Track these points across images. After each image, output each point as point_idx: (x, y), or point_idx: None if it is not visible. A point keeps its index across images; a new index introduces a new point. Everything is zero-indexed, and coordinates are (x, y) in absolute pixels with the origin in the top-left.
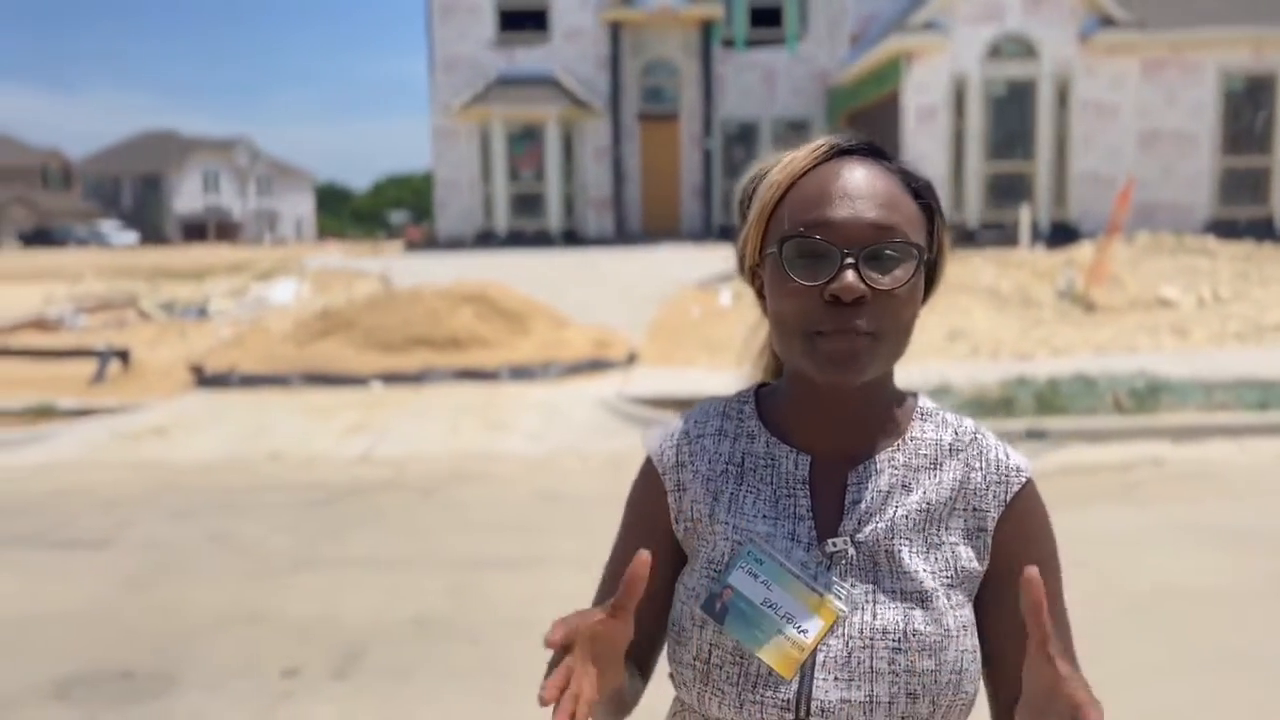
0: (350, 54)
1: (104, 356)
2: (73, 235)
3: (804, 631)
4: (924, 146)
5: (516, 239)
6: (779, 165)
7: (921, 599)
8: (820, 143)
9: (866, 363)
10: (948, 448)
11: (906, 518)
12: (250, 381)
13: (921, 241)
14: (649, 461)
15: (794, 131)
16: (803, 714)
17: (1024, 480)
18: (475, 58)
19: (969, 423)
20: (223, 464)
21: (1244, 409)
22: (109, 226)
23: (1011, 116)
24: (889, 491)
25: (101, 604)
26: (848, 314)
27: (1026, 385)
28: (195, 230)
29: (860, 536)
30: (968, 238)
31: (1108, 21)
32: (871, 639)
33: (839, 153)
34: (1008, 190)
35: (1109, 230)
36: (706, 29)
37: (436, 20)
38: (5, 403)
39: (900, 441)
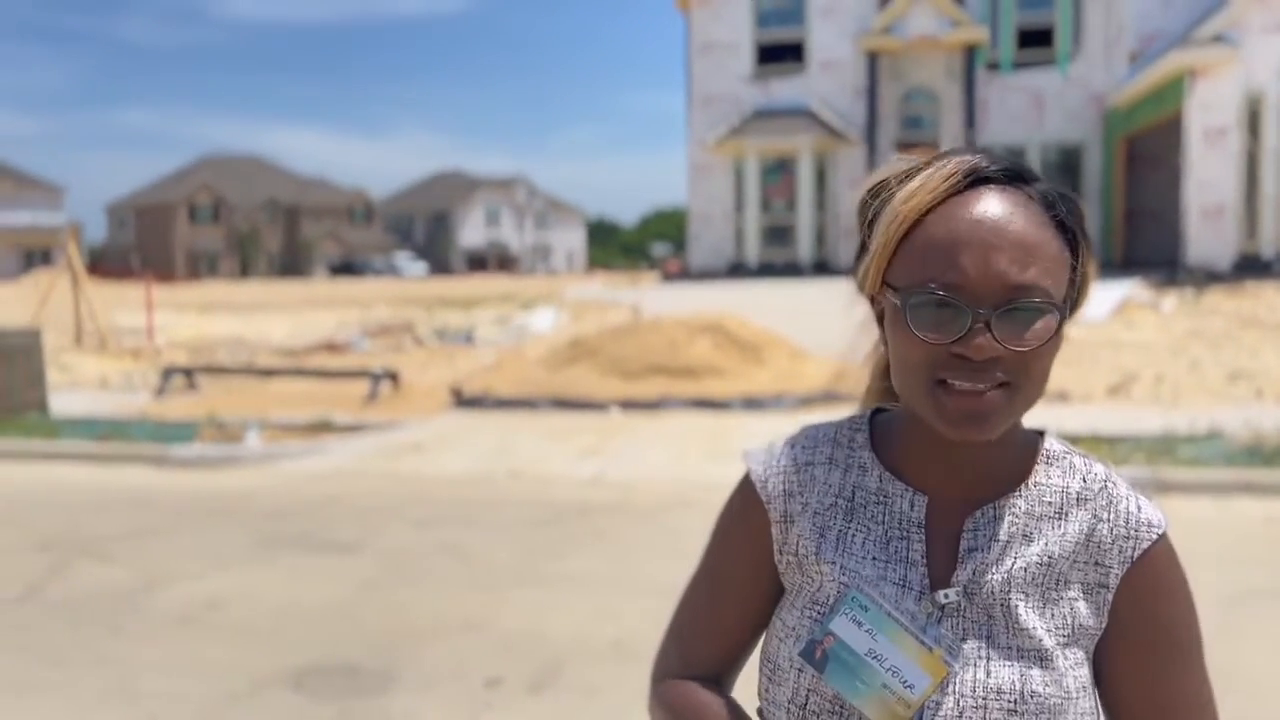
0: (619, 92)
1: (377, 378)
2: (371, 267)
3: (910, 687)
4: (1212, 170)
5: (767, 270)
6: (904, 193)
7: (1039, 658)
8: (952, 169)
9: (999, 419)
10: (1075, 496)
11: (1025, 570)
12: (502, 404)
13: (1062, 284)
14: (750, 486)
15: (1065, 157)
16: None
17: (1155, 536)
18: (732, 92)
19: (1099, 469)
20: (467, 479)
21: None
22: (402, 259)
23: None
24: (1008, 541)
25: (341, 603)
26: (980, 370)
27: None
28: (478, 262)
29: (974, 587)
30: (1263, 269)
31: None
32: (985, 699)
33: (974, 181)
34: None
35: None
36: (970, 53)
37: (695, 57)
38: (292, 417)
39: (1023, 487)
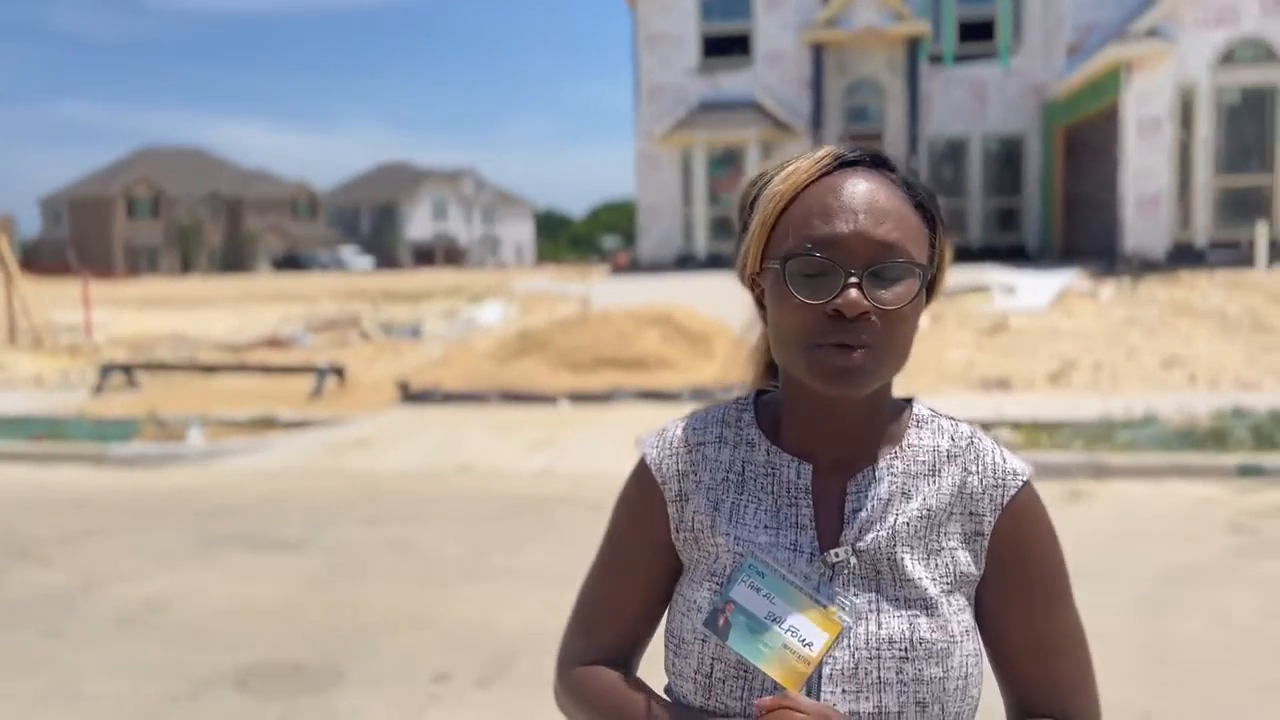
0: (566, 84)
1: (322, 373)
2: (317, 261)
3: (809, 645)
4: (1146, 160)
5: (715, 261)
6: (781, 175)
7: (925, 606)
8: (823, 153)
9: (868, 376)
10: (945, 453)
11: (907, 525)
12: (450, 398)
13: (924, 254)
14: (645, 469)
15: (1006, 147)
16: None
17: (1021, 483)
18: (679, 84)
19: (965, 427)
20: (415, 474)
21: None
22: (348, 252)
23: (1246, 127)
24: (889, 499)
25: (286, 601)
26: (850, 329)
27: (1244, 417)
28: (425, 255)
29: (862, 545)
30: (1195, 257)
31: None
32: (878, 649)
33: (843, 164)
34: (1241, 206)
35: None
36: (913, 45)
37: (642, 49)
38: (235, 414)
39: (898, 449)
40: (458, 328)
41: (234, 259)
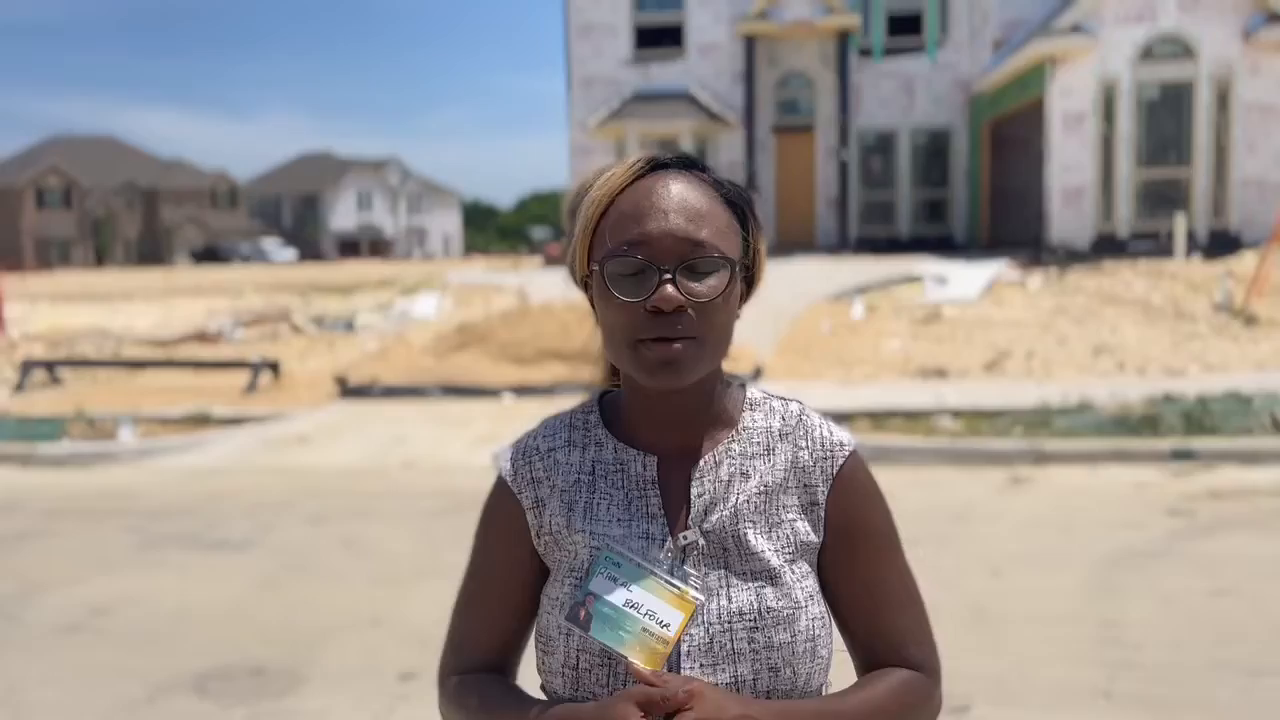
0: (495, 74)
1: (256, 368)
2: (238, 253)
3: (666, 625)
4: (1071, 154)
5: None
6: (599, 182)
7: (770, 576)
8: (637, 160)
9: (689, 366)
10: (777, 433)
11: (748, 502)
12: (390, 392)
13: (735, 249)
14: (501, 482)
15: (934, 140)
16: None
17: (847, 454)
18: (612, 75)
19: (794, 406)
20: (359, 471)
21: None
22: (270, 244)
23: (1166, 121)
24: (729, 480)
25: (240, 602)
26: (668, 322)
27: (1174, 403)
28: (350, 247)
29: (707, 526)
30: (1118, 248)
31: (1275, 17)
32: (730, 622)
33: (655, 167)
34: (1161, 198)
35: (1273, 239)
36: (843, 39)
37: (574, 39)
38: (167, 410)
39: (735, 432)
40: (393, 321)
41: (151, 251)
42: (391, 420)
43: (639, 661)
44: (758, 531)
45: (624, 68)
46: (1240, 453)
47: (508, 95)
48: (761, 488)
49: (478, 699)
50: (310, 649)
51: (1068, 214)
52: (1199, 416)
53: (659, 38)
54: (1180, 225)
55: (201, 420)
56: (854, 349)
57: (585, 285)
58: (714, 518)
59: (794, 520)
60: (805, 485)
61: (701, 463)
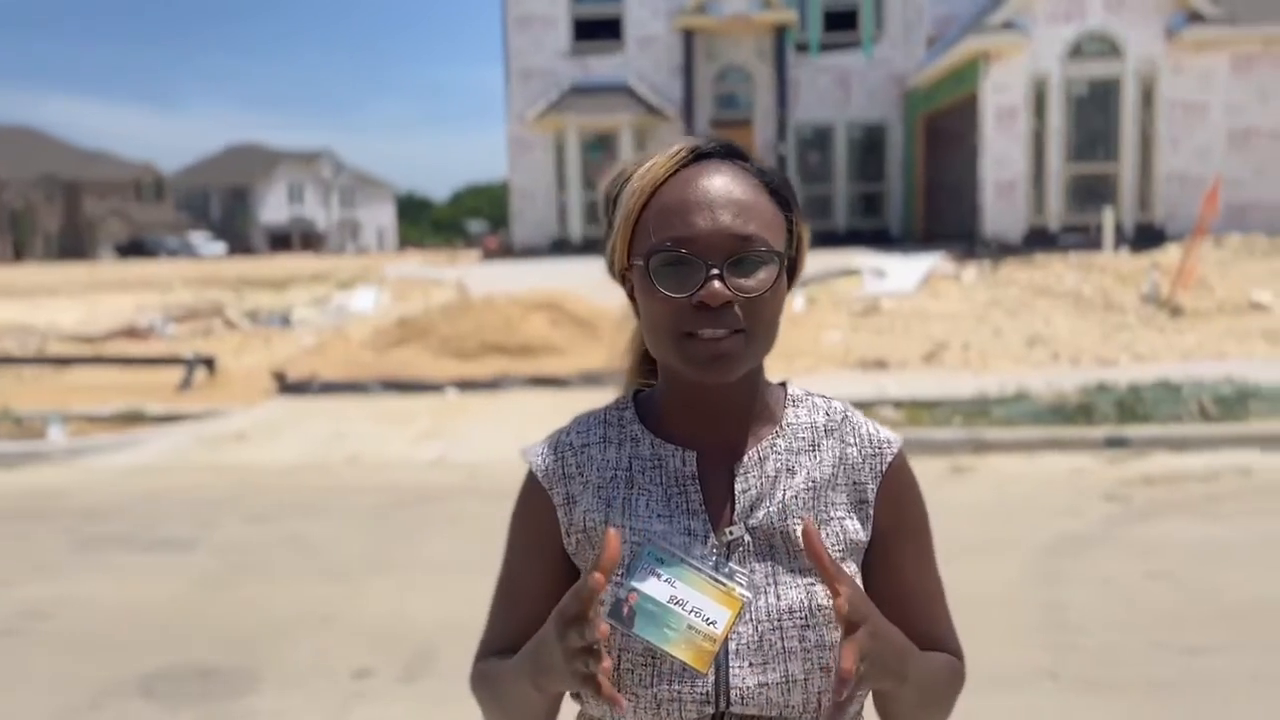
0: (430, 65)
1: (191, 364)
2: (164, 246)
3: (713, 623)
4: (1003, 148)
5: (591, 246)
6: (640, 171)
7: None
8: (678, 148)
9: (737, 360)
10: (823, 429)
11: (795, 498)
12: (330, 388)
13: (781, 240)
14: (532, 478)
15: (869, 135)
16: (723, 705)
17: (895, 451)
18: (550, 68)
19: (838, 404)
20: (301, 468)
21: None
22: (198, 238)
23: (1094, 117)
24: (775, 476)
25: (185, 603)
26: (716, 316)
27: (1107, 392)
28: (281, 240)
29: (753, 522)
30: (1049, 241)
31: (1195, 17)
32: (779, 620)
33: (698, 156)
34: (1090, 192)
35: (1196, 232)
36: (780, 34)
37: (512, 31)
38: (98, 408)
39: (778, 428)
40: (330, 315)
41: (73, 245)
42: (332, 416)
43: (685, 659)
44: None
45: (562, 60)
46: (1171, 439)
47: (444, 87)
48: (809, 484)
49: (492, 674)
50: (260, 649)
51: (1001, 207)
52: (1131, 405)
53: (597, 30)
54: (1108, 219)
55: (135, 418)
56: (795, 341)
57: (623, 278)
58: (760, 514)
59: (842, 518)
60: (855, 483)
61: (746, 458)
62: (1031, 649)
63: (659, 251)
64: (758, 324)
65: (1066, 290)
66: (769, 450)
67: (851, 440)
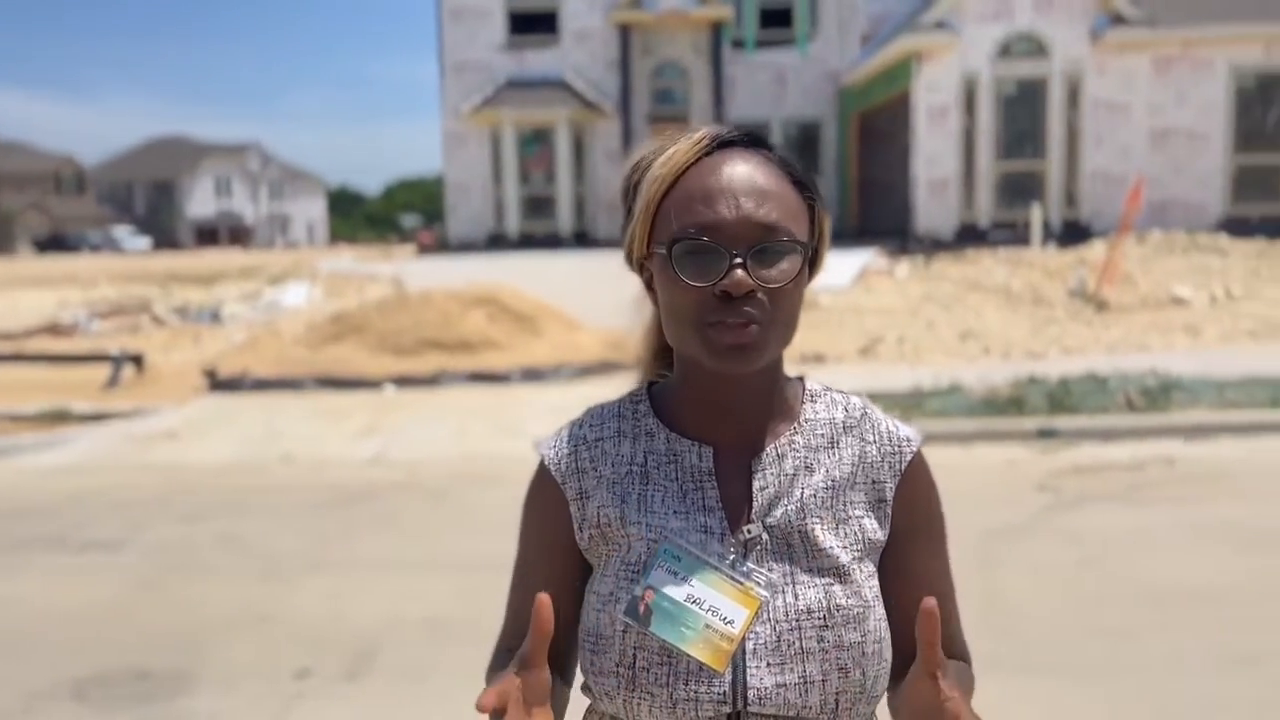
0: (361, 57)
1: (118, 361)
2: (86, 241)
3: (730, 622)
4: (935, 146)
5: (528, 242)
6: (661, 159)
7: (839, 573)
8: (701, 135)
9: (759, 350)
10: (841, 425)
11: (814, 496)
12: (263, 385)
13: (804, 231)
14: (545, 471)
15: (804, 132)
16: (740, 705)
17: (915, 449)
18: (485, 61)
19: (856, 399)
20: (235, 467)
21: (1256, 408)
22: (122, 232)
23: (1022, 115)
24: (794, 474)
25: (117, 605)
26: (738, 306)
27: (1038, 384)
28: (208, 235)
29: (771, 520)
30: (979, 237)
31: (1118, 19)
32: (797, 620)
33: (720, 144)
34: (1019, 189)
35: (1120, 229)
36: (716, 30)
37: (446, 23)
38: (21, 407)
39: (796, 424)
40: (261, 311)
41: None
42: (266, 414)
43: (702, 659)
44: (825, 527)
45: (498, 53)
46: (1099, 430)
47: (375, 79)
48: (828, 482)
49: (489, 678)
50: (197, 650)
51: (933, 204)
52: (1060, 397)
53: (533, 24)
54: (1036, 215)
55: (59, 417)
56: None
57: (641, 267)
58: (778, 512)
59: (861, 517)
60: (874, 482)
61: (763, 455)
62: (973, 637)
63: (681, 239)
64: (779, 315)
65: (997, 285)
66: (787, 447)
67: (871, 438)
